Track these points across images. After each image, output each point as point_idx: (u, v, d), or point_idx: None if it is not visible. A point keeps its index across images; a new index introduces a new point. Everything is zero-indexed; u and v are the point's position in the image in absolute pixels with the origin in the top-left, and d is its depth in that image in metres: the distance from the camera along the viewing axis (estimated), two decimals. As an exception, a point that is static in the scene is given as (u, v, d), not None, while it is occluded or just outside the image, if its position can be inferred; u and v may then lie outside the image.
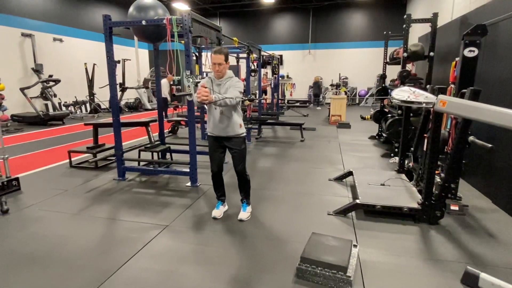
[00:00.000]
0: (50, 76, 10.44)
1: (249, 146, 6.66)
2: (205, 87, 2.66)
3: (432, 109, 2.76)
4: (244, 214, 3.20)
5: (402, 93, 2.70)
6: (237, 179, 3.22)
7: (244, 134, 3.12)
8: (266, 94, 13.33)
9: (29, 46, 10.87)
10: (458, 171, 3.30)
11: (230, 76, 3.00)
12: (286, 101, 15.45)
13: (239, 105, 3.03)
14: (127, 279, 2.26)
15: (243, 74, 12.59)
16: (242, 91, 2.95)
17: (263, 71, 11.55)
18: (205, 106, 3.10)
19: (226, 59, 2.91)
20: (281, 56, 16.74)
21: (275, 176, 4.58)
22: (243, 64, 10.73)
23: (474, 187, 4.09)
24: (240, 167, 3.10)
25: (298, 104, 14.54)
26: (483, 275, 2.10)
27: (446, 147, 3.49)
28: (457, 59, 3.33)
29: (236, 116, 3.01)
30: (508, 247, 2.68)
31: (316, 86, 14.93)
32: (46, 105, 10.78)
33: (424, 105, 2.68)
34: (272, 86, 11.51)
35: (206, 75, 8.67)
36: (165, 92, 9.88)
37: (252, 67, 8.13)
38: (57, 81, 10.09)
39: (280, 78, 13.41)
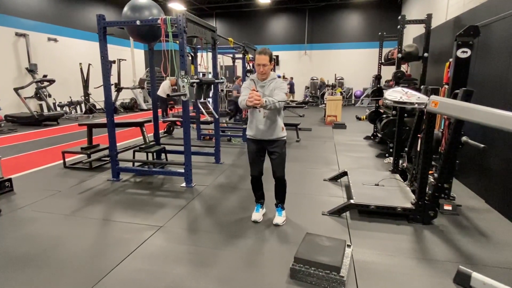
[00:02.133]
0: (45, 76, 10.36)
1: (245, 146, 6.64)
2: (256, 90, 2.57)
3: (425, 109, 2.77)
4: (280, 218, 3.11)
5: (395, 94, 2.72)
6: (274, 184, 3.11)
7: (285, 137, 3.01)
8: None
9: (23, 46, 10.80)
10: (451, 171, 3.32)
11: (274, 78, 2.90)
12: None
13: (283, 108, 2.94)
14: (120, 280, 2.24)
15: (239, 74, 12.59)
16: (287, 92, 2.89)
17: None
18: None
19: (271, 60, 2.82)
20: (277, 56, 16.78)
21: (270, 176, 4.55)
22: (239, 64, 10.73)
23: (467, 187, 4.13)
24: (279, 172, 2.98)
25: (294, 104, 14.56)
26: (475, 275, 2.11)
27: (439, 147, 3.51)
28: (450, 60, 3.36)
29: (279, 119, 2.93)
30: (500, 247, 2.70)
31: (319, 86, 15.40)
32: (41, 105, 10.70)
33: (416, 105, 2.70)
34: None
35: (203, 75, 8.68)
36: (166, 92, 9.89)
37: (248, 68, 8.14)
38: (51, 81, 10.02)
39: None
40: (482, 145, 2.85)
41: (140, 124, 5.40)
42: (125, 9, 4.24)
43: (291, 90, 16.68)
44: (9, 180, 4.01)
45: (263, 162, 3.07)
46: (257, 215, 3.19)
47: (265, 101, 2.60)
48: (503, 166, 3.34)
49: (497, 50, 3.62)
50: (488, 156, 3.64)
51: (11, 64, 10.51)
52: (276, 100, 2.67)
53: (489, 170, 3.64)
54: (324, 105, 10.98)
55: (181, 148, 4.64)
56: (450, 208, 3.32)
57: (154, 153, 5.12)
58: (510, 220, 3.16)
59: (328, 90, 14.52)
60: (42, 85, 10.09)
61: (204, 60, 5.70)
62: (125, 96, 14.07)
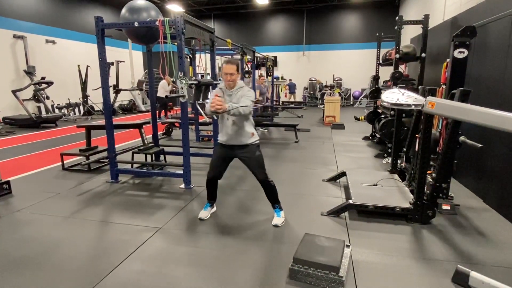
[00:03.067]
0: (43, 78, 10.35)
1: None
2: (220, 97, 2.64)
3: (422, 110, 2.78)
4: (279, 219, 3.12)
5: (392, 96, 2.73)
6: (262, 188, 3.13)
7: (257, 141, 3.06)
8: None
9: (21, 48, 10.78)
10: (449, 171, 3.33)
11: (241, 86, 2.98)
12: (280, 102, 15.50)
13: (251, 114, 3.00)
14: (119, 282, 2.24)
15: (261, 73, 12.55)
16: (254, 100, 2.94)
17: (257, 72, 11.56)
18: (215, 116, 3.07)
19: (238, 69, 2.91)
20: (275, 57, 16.80)
21: (270, 176, 4.57)
22: (237, 65, 10.73)
23: (465, 187, 4.14)
24: (261, 175, 3.00)
25: (293, 105, 14.61)
26: (473, 274, 2.12)
27: (437, 147, 3.53)
28: (448, 60, 3.37)
29: (248, 125, 2.98)
30: (498, 246, 2.71)
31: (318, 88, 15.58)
32: (39, 107, 10.69)
33: (413, 107, 2.71)
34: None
35: (202, 76, 8.69)
36: (165, 91, 9.92)
37: (246, 69, 8.15)
38: (49, 83, 10.01)
39: (274, 80, 13.44)
40: (480, 145, 2.87)
41: (138, 126, 5.40)
42: (123, 11, 4.24)
43: (292, 91, 16.75)
44: (7, 182, 4.00)
45: (223, 169, 3.14)
46: (205, 213, 3.26)
47: (228, 107, 2.67)
48: (501, 166, 3.36)
49: (494, 50, 3.64)
50: (486, 156, 3.65)
51: (9, 66, 10.50)
52: (239, 105, 2.74)
53: (486, 170, 3.65)
54: (323, 105, 11.02)
55: (180, 150, 4.64)
56: (448, 207, 3.34)
57: (153, 155, 5.11)
58: (508, 219, 3.17)
59: (326, 90, 14.58)
60: (40, 87, 10.08)
61: (203, 62, 5.70)
62: (123, 98, 14.07)
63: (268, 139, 7.66)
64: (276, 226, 3.06)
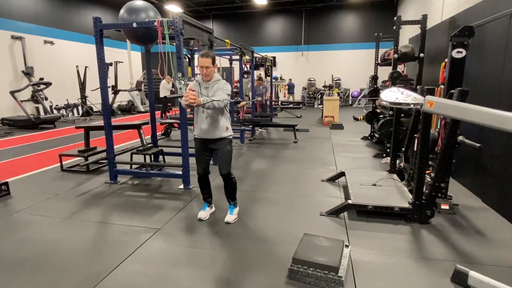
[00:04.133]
0: (41, 79, 10.33)
1: (242, 148, 6.66)
2: (193, 90, 2.66)
3: (421, 110, 2.79)
4: (231, 216, 3.19)
5: (391, 94, 2.73)
6: (223, 182, 3.19)
7: (231, 136, 3.11)
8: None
9: (20, 48, 10.76)
10: (448, 170, 3.34)
11: (218, 79, 3.01)
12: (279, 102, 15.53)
13: (227, 108, 3.04)
14: (118, 282, 2.24)
15: (236, 76, 12.60)
16: (230, 93, 2.96)
17: (256, 72, 11.56)
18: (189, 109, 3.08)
19: (213, 62, 2.93)
20: (274, 58, 16.80)
21: (268, 177, 4.59)
22: (236, 66, 10.73)
23: (464, 186, 4.15)
24: (225, 169, 3.07)
25: (291, 105, 14.62)
26: (472, 273, 2.12)
27: (436, 147, 3.53)
28: (446, 60, 3.38)
29: (223, 119, 3.02)
30: (497, 245, 2.72)
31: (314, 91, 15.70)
32: (37, 108, 10.66)
33: (412, 106, 2.71)
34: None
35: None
36: (167, 90, 9.95)
37: (245, 69, 8.15)
38: (48, 84, 9.99)
39: (273, 80, 13.45)
40: (478, 145, 2.87)
41: (137, 126, 5.39)
42: (122, 11, 4.24)
43: (291, 91, 16.76)
44: (6, 183, 3.99)
45: (208, 161, 3.18)
46: (204, 213, 3.27)
47: (202, 100, 2.68)
48: (499, 165, 3.37)
49: (492, 50, 3.65)
50: (484, 155, 3.66)
51: (7, 67, 10.47)
52: (213, 99, 2.74)
53: (485, 169, 3.66)
54: (321, 105, 11.03)
55: (179, 150, 4.64)
56: (447, 207, 3.34)
57: (152, 155, 5.11)
58: (507, 218, 3.18)
59: (325, 91, 14.59)
60: (39, 88, 10.06)
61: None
62: (122, 99, 14.05)
63: (267, 140, 7.66)
64: (227, 223, 3.11)
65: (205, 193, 3.32)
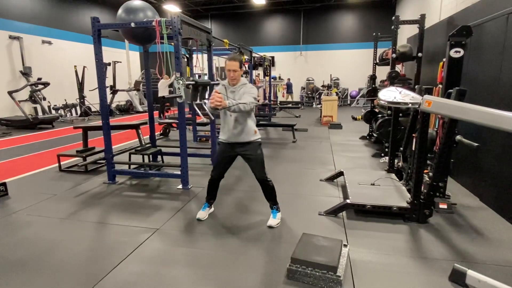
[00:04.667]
0: (39, 79, 10.30)
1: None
2: (219, 93, 2.63)
3: (419, 109, 2.79)
4: (274, 220, 3.10)
5: (389, 94, 2.74)
6: (260, 188, 3.12)
7: (260, 139, 3.06)
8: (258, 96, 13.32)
9: (17, 48, 10.72)
10: (446, 170, 3.35)
11: (244, 83, 2.97)
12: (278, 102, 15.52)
13: (253, 111, 2.99)
14: (117, 283, 2.23)
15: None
16: (257, 97, 2.92)
17: (255, 72, 11.56)
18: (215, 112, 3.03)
19: (241, 66, 2.91)
20: (272, 57, 16.81)
21: (269, 176, 4.57)
22: (234, 65, 10.71)
23: (462, 186, 4.16)
24: (260, 173, 3.01)
25: (290, 105, 14.62)
26: (470, 272, 2.13)
27: (434, 146, 3.54)
28: (444, 59, 3.39)
29: (250, 122, 2.97)
30: (495, 244, 2.73)
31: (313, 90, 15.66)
32: (35, 108, 10.63)
33: (410, 105, 2.72)
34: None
35: (199, 77, 8.68)
36: (163, 92, 9.94)
37: (243, 69, 8.14)
38: (46, 84, 9.96)
39: (272, 80, 13.45)
40: (476, 144, 2.88)
41: (135, 127, 5.38)
42: (120, 11, 4.23)
43: (289, 91, 16.76)
44: (4, 184, 3.98)
45: (227, 168, 3.15)
46: (203, 213, 3.25)
47: (228, 103, 2.67)
48: (497, 164, 3.38)
49: (489, 50, 3.66)
50: (482, 155, 3.67)
51: (5, 67, 10.44)
52: (240, 102, 2.72)
53: (483, 169, 3.67)
54: (320, 105, 11.06)
55: (177, 150, 4.63)
56: (445, 206, 3.35)
57: (150, 155, 5.10)
58: (504, 217, 3.19)
59: (323, 90, 14.60)
60: (37, 88, 10.03)
61: (200, 62, 5.70)
62: (120, 99, 14.03)
63: (266, 139, 7.66)
64: (270, 227, 3.06)
65: (211, 196, 3.30)
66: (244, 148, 3.00)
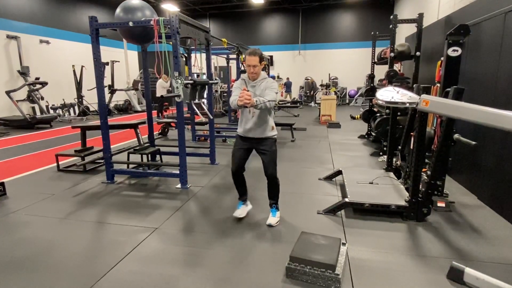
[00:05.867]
0: (37, 78, 10.26)
1: (240, 147, 6.65)
2: (247, 90, 2.61)
3: (416, 108, 2.80)
4: (274, 219, 3.10)
5: (387, 94, 2.74)
6: (267, 183, 3.12)
7: (276, 136, 3.05)
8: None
9: (15, 48, 10.67)
10: (444, 168, 3.36)
11: (264, 77, 2.94)
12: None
13: (272, 107, 2.97)
14: (116, 282, 2.23)
15: (233, 75, 12.60)
16: (278, 92, 2.89)
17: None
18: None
19: (261, 60, 2.86)
20: (271, 57, 16.79)
21: (265, 176, 4.57)
22: (233, 65, 10.72)
23: (460, 184, 4.17)
24: (270, 170, 3.00)
25: (289, 104, 14.61)
26: (468, 270, 2.14)
27: (432, 145, 3.55)
28: (442, 58, 3.40)
29: (269, 118, 2.97)
30: (492, 242, 2.74)
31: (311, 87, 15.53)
32: (33, 108, 10.60)
33: (408, 105, 2.73)
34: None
35: (197, 76, 8.70)
36: (162, 91, 9.95)
37: (242, 68, 8.13)
38: (44, 84, 9.92)
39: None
40: (474, 142, 2.89)
41: (134, 126, 5.37)
42: (118, 10, 4.22)
43: (288, 90, 16.75)
44: (2, 184, 3.97)
45: (245, 160, 3.10)
46: (239, 211, 3.22)
47: (256, 101, 2.64)
48: (494, 163, 3.39)
49: (487, 49, 3.68)
50: (480, 153, 3.68)
51: (2, 66, 10.39)
52: (267, 99, 2.70)
53: (480, 167, 3.69)
54: (317, 105, 11.07)
55: (176, 150, 4.63)
56: (443, 205, 3.36)
57: (149, 155, 5.10)
58: (502, 215, 3.20)
59: (322, 89, 14.60)
60: (35, 88, 9.99)
61: (198, 61, 5.69)
62: (119, 98, 14.00)
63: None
64: (270, 226, 3.06)
65: (240, 191, 3.24)
66: (260, 143, 2.99)
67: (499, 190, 3.28)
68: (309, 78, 16.49)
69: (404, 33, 9.57)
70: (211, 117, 5.27)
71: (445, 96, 2.99)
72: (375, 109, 7.03)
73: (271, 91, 2.82)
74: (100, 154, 5.00)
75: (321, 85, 15.79)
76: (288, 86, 16.77)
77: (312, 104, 15.70)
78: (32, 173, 4.92)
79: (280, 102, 15.22)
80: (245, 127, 2.97)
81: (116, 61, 13.17)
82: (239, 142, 3.07)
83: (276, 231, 2.97)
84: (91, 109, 12.32)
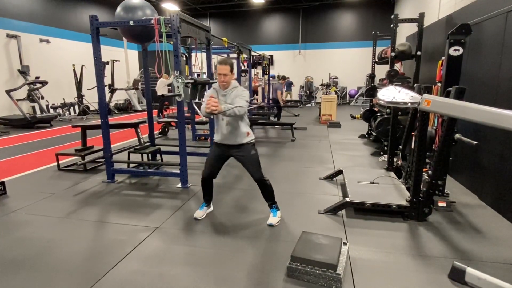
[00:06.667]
0: (37, 77, 10.25)
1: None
2: (215, 98, 2.64)
3: (418, 108, 2.80)
4: (274, 219, 3.12)
5: (388, 93, 2.74)
6: (258, 187, 3.13)
7: (253, 140, 3.07)
8: (257, 95, 13.33)
9: (15, 47, 10.66)
10: (445, 168, 3.36)
11: (235, 86, 2.98)
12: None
13: (246, 114, 3.00)
14: (116, 282, 2.23)
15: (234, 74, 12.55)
16: (248, 100, 2.93)
17: (254, 71, 11.54)
18: (211, 116, 3.04)
19: (231, 70, 2.91)
20: (271, 56, 16.78)
21: (265, 175, 4.57)
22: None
23: (461, 184, 4.17)
24: (257, 174, 3.01)
25: (289, 104, 14.61)
26: (469, 270, 2.14)
27: (433, 144, 3.55)
28: (443, 58, 3.39)
29: (242, 125, 2.98)
30: (494, 242, 2.73)
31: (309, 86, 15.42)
32: (33, 107, 10.59)
33: (409, 105, 2.72)
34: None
35: (198, 75, 8.70)
36: (162, 90, 9.94)
37: (243, 68, 8.14)
38: (44, 83, 9.92)
39: (271, 78, 13.43)
40: (475, 142, 2.88)
41: (134, 125, 5.36)
42: (118, 9, 4.21)
43: (289, 89, 16.74)
44: (2, 183, 3.96)
45: (218, 169, 3.15)
46: (200, 212, 3.25)
47: (224, 108, 2.69)
48: (495, 162, 3.38)
49: (488, 48, 3.67)
50: (481, 153, 3.68)
51: (2, 66, 10.38)
52: (234, 106, 2.74)
53: (481, 167, 3.68)
54: (316, 104, 11.06)
55: (177, 149, 4.62)
56: (444, 204, 3.36)
57: (149, 154, 5.09)
58: (503, 215, 3.20)
59: (322, 89, 14.59)
60: (35, 87, 9.99)
61: (199, 60, 5.69)
62: (119, 97, 13.99)
63: (265, 138, 7.66)
64: (271, 225, 3.06)
65: (206, 194, 3.29)
66: (237, 149, 3.02)
67: (501, 190, 3.28)
68: (308, 78, 16.51)
69: (404, 32, 9.56)
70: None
71: (446, 96, 2.98)
72: (376, 109, 7.03)
73: (241, 99, 2.85)
74: (101, 154, 4.99)
75: (322, 85, 15.78)
76: (287, 85, 16.76)
77: (312, 104, 15.66)
78: (33, 172, 4.92)
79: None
80: (221, 135, 3.02)
81: (116, 60, 13.16)
82: (216, 149, 3.11)
83: (277, 231, 2.96)
84: (91, 108, 12.31)
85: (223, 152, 3.07)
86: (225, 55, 9.44)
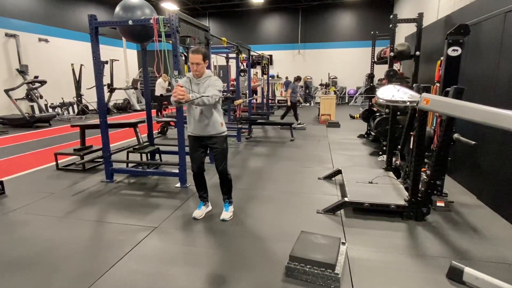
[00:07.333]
0: (36, 77, 10.23)
1: (239, 146, 6.66)
2: (182, 86, 2.64)
3: (416, 107, 2.80)
4: (227, 214, 3.21)
5: (387, 92, 2.74)
6: (219, 179, 3.21)
7: (225, 132, 3.12)
8: (256, 94, 13.34)
9: (14, 46, 10.64)
10: (443, 168, 3.36)
11: (209, 75, 3.00)
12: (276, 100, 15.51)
13: (219, 103, 3.03)
14: (115, 281, 2.23)
15: (233, 74, 12.58)
16: (221, 89, 2.95)
17: (253, 71, 11.53)
18: (183, 106, 3.05)
19: (204, 59, 2.91)
20: (270, 56, 16.79)
21: (264, 175, 4.59)
22: (232, 64, 10.72)
23: (459, 184, 4.18)
24: (221, 166, 3.10)
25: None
26: (467, 269, 2.14)
27: (431, 144, 3.55)
28: (442, 58, 3.39)
29: (216, 114, 3.01)
30: (492, 242, 2.74)
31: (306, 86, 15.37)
32: (32, 107, 10.57)
33: (408, 103, 2.72)
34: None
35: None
36: (161, 90, 9.93)
37: (242, 67, 8.14)
38: (43, 82, 9.90)
39: (270, 78, 13.44)
40: (473, 142, 2.89)
41: (133, 125, 5.36)
42: (117, 9, 4.20)
43: (287, 89, 16.73)
44: (1, 182, 3.95)
45: (203, 158, 3.16)
46: (199, 212, 3.26)
47: (191, 97, 2.68)
48: (494, 162, 3.39)
49: (487, 48, 3.67)
50: (479, 153, 3.69)
51: (1, 65, 10.36)
52: (202, 95, 2.73)
53: (480, 167, 3.69)
54: (311, 104, 11.03)
55: (175, 149, 4.63)
56: (442, 204, 3.36)
57: (148, 154, 5.09)
58: (501, 215, 3.21)
59: (321, 89, 14.60)
60: (33, 86, 9.97)
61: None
62: (118, 97, 13.97)
63: (264, 138, 7.66)
64: (223, 220, 3.12)
65: (201, 191, 3.31)
66: (211, 141, 3.06)
67: (499, 190, 3.29)
68: (305, 77, 16.49)
69: (403, 32, 9.57)
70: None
71: (445, 96, 2.99)
72: (375, 109, 7.04)
73: (213, 88, 2.86)
74: (99, 153, 4.98)
75: (321, 85, 15.79)
76: (286, 85, 16.77)
77: (312, 103, 15.65)
78: (31, 172, 4.91)
79: (279, 102, 15.24)
80: (194, 126, 3.03)
81: (115, 60, 13.14)
82: (192, 142, 3.12)
83: (275, 231, 2.97)
84: (90, 107, 12.29)
85: (200, 143, 3.09)
86: (224, 55, 9.45)
